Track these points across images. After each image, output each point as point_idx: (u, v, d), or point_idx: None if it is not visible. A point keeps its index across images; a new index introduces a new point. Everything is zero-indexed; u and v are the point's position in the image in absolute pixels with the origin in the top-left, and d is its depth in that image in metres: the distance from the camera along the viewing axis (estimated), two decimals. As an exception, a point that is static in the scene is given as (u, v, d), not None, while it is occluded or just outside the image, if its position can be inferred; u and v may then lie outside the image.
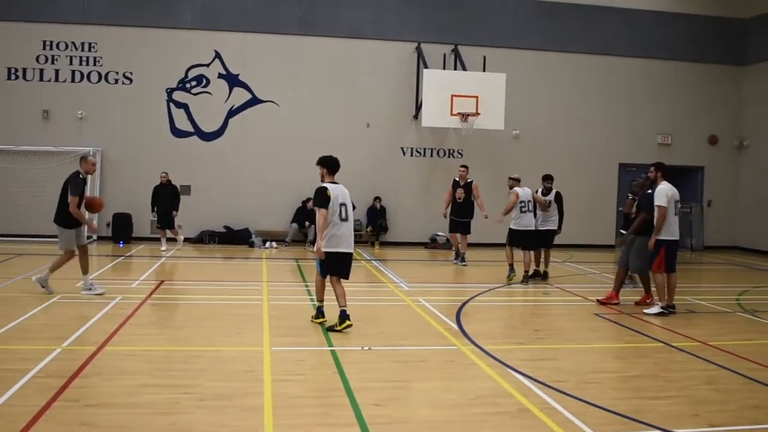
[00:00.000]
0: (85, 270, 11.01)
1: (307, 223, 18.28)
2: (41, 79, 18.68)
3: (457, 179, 16.06)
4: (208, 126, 19.27)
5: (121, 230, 18.41)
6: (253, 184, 19.19)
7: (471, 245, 16.50)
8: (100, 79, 18.86)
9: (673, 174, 21.60)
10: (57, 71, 18.70)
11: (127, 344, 7.95)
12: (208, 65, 19.23)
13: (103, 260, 15.42)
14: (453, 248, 16.61)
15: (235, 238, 18.69)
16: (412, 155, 20.10)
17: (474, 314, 10.28)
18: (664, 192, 10.90)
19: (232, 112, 19.35)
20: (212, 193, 19.02)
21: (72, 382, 6.37)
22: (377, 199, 19.43)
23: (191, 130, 19.20)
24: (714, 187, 21.79)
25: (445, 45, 19.99)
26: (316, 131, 19.28)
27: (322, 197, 8.73)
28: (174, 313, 10.39)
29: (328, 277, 9.04)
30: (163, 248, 16.90)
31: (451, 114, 18.25)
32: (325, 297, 9.25)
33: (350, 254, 9.00)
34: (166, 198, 17.21)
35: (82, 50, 18.80)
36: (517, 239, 13.75)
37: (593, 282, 14.54)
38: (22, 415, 5.48)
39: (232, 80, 19.33)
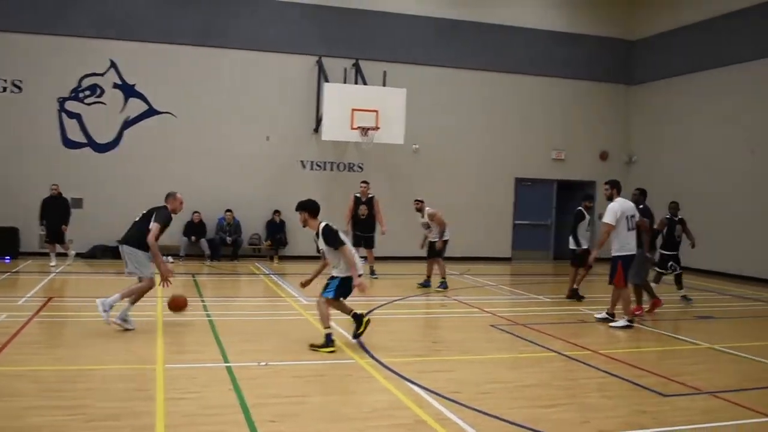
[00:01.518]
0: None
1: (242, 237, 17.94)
2: None
3: (359, 195, 16.12)
4: (102, 137, 18.68)
5: (7, 245, 17.59)
6: (147, 197, 18.51)
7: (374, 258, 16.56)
8: (-15, 88, 18.05)
9: (567, 188, 22.61)
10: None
11: (12, 364, 7.60)
12: (102, 74, 18.66)
13: (-13, 276, 14.73)
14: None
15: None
16: (312, 168, 20.05)
17: (373, 327, 10.29)
18: (614, 210, 11.34)
19: (127, 123, 18.82)
20: (105, 206, 18.39)
21: None
22: (276, 212, 19.27)
23: (84, 141, 18.57)
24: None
25: (346, 59, 20.06)
26: (214, 144, 19.01)
27: (337, 236, 8.92)
28: (62, 331, 10.01)
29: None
30: (53, 263, 16.25)
31: (352, 128, 18.31)
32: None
33: None
34: (56, 211, 16.56)
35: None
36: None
37: (490, 294, 14.83)
38: None
39: (128, 90, 18.82)
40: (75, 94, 18.53)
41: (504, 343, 9.85)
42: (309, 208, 9.19)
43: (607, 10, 22.70)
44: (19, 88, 18.16)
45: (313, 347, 8.64)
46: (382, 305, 12.34)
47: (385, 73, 19.80)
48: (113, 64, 18.71)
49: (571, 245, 14.02)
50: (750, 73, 18.47)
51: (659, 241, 13.79)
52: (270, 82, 19.65)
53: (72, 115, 18.50)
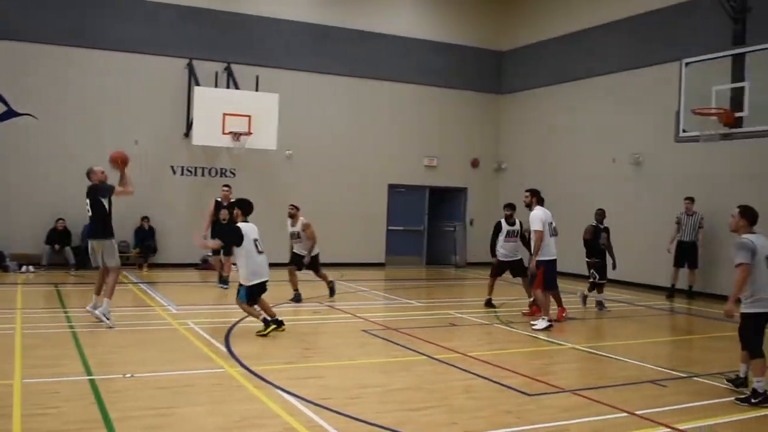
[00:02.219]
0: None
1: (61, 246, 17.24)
2: None
3: (220, 199, 15.67)
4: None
5: None
6: (6, 203, 17.78)
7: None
8: None
9: (439, 194, 23.10)
10: None
11: None
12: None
13: None
14: (217, 271, 15.85)
15: (-13, 261, 17.28)
16: (183, 174, 19.62)
17: (244, 335, 10.19)
18: (539, 217, 11.59)
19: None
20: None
21: None
22: (145, 219, 18.75)
23: (-64, 142, 17.51)
24: (476, 206, 23.20)
25: (218, 63, 19.77)
26: (79, 148, 18.24)
27: (236, 236, 10.16)
28: None
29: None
30: None
31: (223, 133, 18.06)
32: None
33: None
34: None
35: None
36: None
37: (364, 299, 14.95)
38: None
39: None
40: None
41: (375, 347, 9.96)
42: (242, 207, 10.73)
43: (478, 21, 23.39)
44: None
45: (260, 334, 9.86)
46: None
47: (257, 77, 19.65)
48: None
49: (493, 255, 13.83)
50: (611, 85, 19.45)
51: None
52: (140, 84, 19.07)
53: None
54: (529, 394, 7.42)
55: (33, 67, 18.12)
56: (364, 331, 10.89)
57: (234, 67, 19.74)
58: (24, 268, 17.09)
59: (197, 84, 18.92)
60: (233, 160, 19.79)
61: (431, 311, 13.57)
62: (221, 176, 19.89)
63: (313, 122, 20.95)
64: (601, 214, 13.96)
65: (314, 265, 14.11)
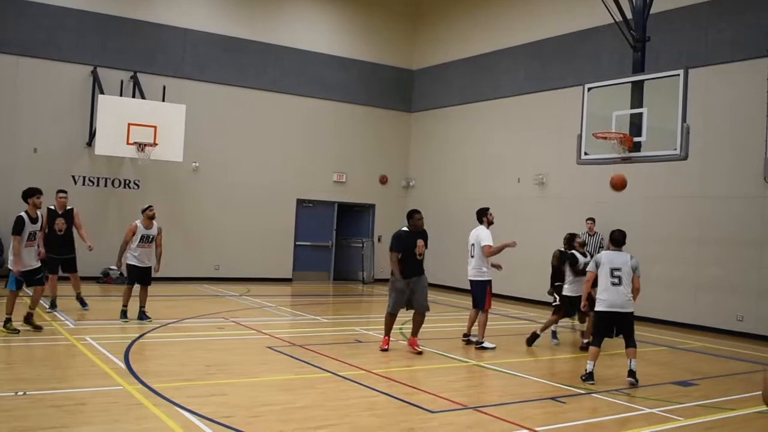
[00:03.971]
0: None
1: None
2: None
3: (54, 207, 13.38)
4: None
5: None
6: None
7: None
8: None
9: (347, 210, 23.13)
10: None
11: None
12: None
13: None
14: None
15: None
16: (84, 184, 19.01)
17: (144, 352, 9.95)
18: (489, 234, 11.74)
19: None
20: None
21: None
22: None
23: None
24: (384, 223, 23.31)
25: (124, 71, 19.34)
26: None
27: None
28: None
29: None
30: None
31: (128, 143, 17.65)
32: None
33: None
34: None
35: None
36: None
37: (269, 315, 14.81)
38: None
39: None
40: None
41: (279, 364, 9.86)
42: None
43: (390, 39, 23.64)
44: None
45: None
46: (155, 328, 11.95)
47: (164, 87, 19.33)
48: None
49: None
50: (516, 107, 19.96)
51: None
52: (39, 90, 18.45)
53: None
54: (432, 411, 7.48)
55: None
56: (268, 347, 10.78)
57: (140, 77, 19.36)
58: None
59: (102, 92, 18.44)
60: (137, 171, 19.34)
61: (337, 327, 13.55)
62: (125, 187, 19.42)
63: (221, 134, 20.71)
64: (569, 240, 12.67)
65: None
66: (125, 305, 12.79)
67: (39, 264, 11.33)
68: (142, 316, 12.65)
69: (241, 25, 21.16)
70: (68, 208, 13.47)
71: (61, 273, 13.59)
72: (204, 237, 20.31)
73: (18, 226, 10.82)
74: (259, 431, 6.43)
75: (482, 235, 11.82)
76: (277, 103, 21.68)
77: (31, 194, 11.07)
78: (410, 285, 10.90)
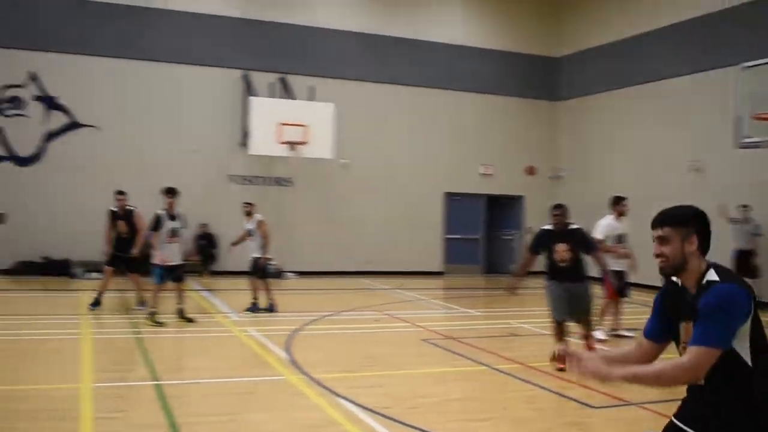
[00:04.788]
0: None
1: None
2: None
3: (116, 209, 13.10)
4: (24, 150, 18.19)
5: None
6: (73, 211, 18.22)
7: (304, 273, 16.45)
8: None
9: (496, 202, 22.96)
10: None
11: None
12: (23, 86, 18.20)
13: None
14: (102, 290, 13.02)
15: (55, 268, 17.70)
16: (240, 183, 19.87)
17: (304, 343, 10.27)
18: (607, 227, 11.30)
19: (50, 136, 18.37)
20: (30, 221, 17.86)
21: None
22: (204, 226, 19.03)
23: (5, 154, 18.06)
24: (533, 215, 22.95)
25: (274, 73, 20.01)
26: (140, 157, 18.65)
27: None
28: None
29: None
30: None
31: (279, 142, 18.29)
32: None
33: None
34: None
35: None
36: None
37: (423, 308, 14.93)
38: None
39: (50, 103, 18.38)
40: (-6, 107, 18.07)
41: (435, 357, 9.93)
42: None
43: (533, 28, 23.23)
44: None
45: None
46: (314, 320, 12.31)
47: (312, 87, 19.83)
48: (34, 76, 18.25)
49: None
50: (670, 90, 19.10)
51: None
52: (196, 95, 19.43)
53: (-7, 128, 18.03)
54: (593, 407, 7.31)
55: (96, 80, 18.62)
56: (423, 340, 10.88)
57: (289, 78, 19.98)
58: (89, 275, 17.49)
59: (253, 94, 19.19)
60: (289, 169, 19.98)
61: (490, 320, 13.49)
62: (278, 185, 20.11)
63: (368, 131, 21.03)
64: None
65: (261, 270, 13.28)
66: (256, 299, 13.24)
67: (179, 261, 11.90)
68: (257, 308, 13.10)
69: (384, 23, 21.39)
70: (128, 209, 13.18)
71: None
72: (354, 231, 20.71)
73: (155, 223, 11.62)
74: (419, 422, 6.50)
75: (598, 225, 11.33)
76: (422, 98, 21.77)
77: (171, 193, 11.83)
78: (564, 289, 9.21)
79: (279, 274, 18.79)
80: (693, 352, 3.05)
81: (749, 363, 3.08)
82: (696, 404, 3.32)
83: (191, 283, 17.00)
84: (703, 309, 3.07)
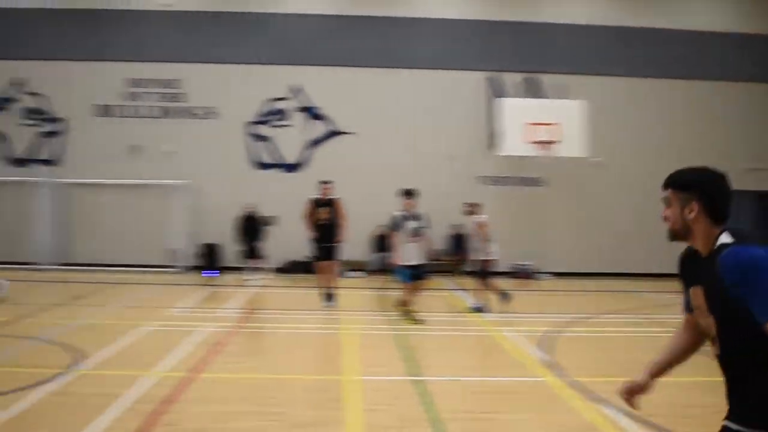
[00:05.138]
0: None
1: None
2: (128, 116, 19.56)
3: (318, 197, 13.49)
4: (290, 158, 19.63)
5: (210, 260, 18.96)
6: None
7: (559, 274, 16.19)
8: (185, 114, 19.53)
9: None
10: (143, 108, 19.57)
11: (218, 371, 8.15)
12: (287, 99, 19.65)
13: (192, 289, 15.84)
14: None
15: (316, 267, 18.88)
16: (489, 184, 19.98)
17: (561, 345, 10.13)
18: None
19: (312, 144, 19.67)
20: (296, 223, 19.13)
21: (167, 408, 6.57)
22: (456, 227, 19.34)
23: (273, 162, 19.61)
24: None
25: (520, 73, 19.94)
26: (394, 162, 19.39)
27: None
28: (260, 342, 10.62)
29: None
30: (249, 278, 17.18)
31: (529, 142, 18.18)
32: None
33: None
34: (251, 228, 17.54)
35: (168, 87, 19.56)
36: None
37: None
38: (120, 440, 5.68)
39: (311, 113, 19.69)
40: (262, 119, 19.64)
41: (703, 364, 9.34)
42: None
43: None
44: (214, 113, 19.55)
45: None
46: (569, 322, 12.10)
47: (560, 85, 19.46)
48: (296, 88, 19.63)
49: None
50: None
51: None
52: (445, 99, 19.85)
53: (261, 138, 19.62)
54: None
55: (354, 89, 19.65)
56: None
57: (536, 76, 19.80)
58: (350, 274, 18.47)
59: (500, 95, 19.22)
60: (539, 168, 19.76)
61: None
62: (530, 186, 19.97)
63: (620, 127, 20.23)
64: None
65: (482, 271, 13.13)
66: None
67: (419, 261, 11.87)
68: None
69: (633, 14, 20.50)
70: (331, 197, 13.45)
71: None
72: (608, 231, 20.06)
73: (393, 224, 11.99)
74: (689, 432, 6.19)
75: None
76: (684, 91, 20.55)
77: (409, 194, 12.03)
78: None
79: (531, 274, 18.72)
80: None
81: None
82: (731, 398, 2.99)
83: (446, 282, 17.42)
84: (738, 282, 2.74)
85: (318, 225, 13.18)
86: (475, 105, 19.97)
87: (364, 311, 13.22)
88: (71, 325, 10.86)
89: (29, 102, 19.71)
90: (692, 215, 3.00)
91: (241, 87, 19.54)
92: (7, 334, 10.06)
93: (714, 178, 3.04)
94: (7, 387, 7.12)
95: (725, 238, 2.90)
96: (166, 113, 19.60)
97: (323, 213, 13.22)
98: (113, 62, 19.47)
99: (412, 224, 11.89)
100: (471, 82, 20.00)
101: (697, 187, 3.02)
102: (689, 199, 3.01)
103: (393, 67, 19.79)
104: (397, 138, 19.69)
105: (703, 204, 2.98)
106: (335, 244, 13.33)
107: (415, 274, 11.77)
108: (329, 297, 13.14)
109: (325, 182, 13.59)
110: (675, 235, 3.12)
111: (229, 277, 17.77)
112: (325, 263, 13.27)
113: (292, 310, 13.08)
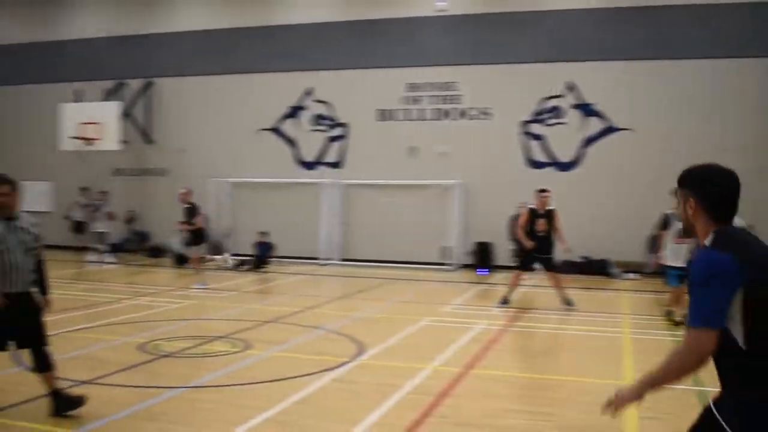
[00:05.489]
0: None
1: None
2: (407, 119, 20.57)
3: (534, 207, 13.33)
4: (564, 156, 19.53)
5: (482, 258, 19.41)
6: (610, 213, 18.92)
7: None
8: (459, 116, 20.20)
9: None
10: (421, 110, 20.46)
11: (491, 368, 8.39)
12: (561, 96, 19.54)
13: (465, 287, 16.39)
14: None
15: (593, 267, 18.66)
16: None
17: None
18: None
19: (587, 142, 19.40)
20: (570, 222, 18.96)
21: (441, 401, 6.93)
22: (751, 227, 18.06)
23: (547, 161, 19.62)
24: None
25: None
26: (670, 159, 18.39)
27: None
28: (533, 341, 10.77)
29: None
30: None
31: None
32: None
33: None
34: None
35: (443, 90, 20.32)
36: None
37: None
38: (398, 428, 6.16)
39: (586, 110, 19.40)
40: (536, 117, 19.72)
41: None
42: None
43: None
44: (488, 114, 19.94)
45: None
46: None
47: None
48: (571, 85, 19.42)
49: None
50: None
51: None
52: (728, 90, 18.39)
53: (535, 136, 19.71)
54: None
55: (626, 84, 18.98)
56: None
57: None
58: (626, 275, 18.02)
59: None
60: None
61: None
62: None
63: None
64: None
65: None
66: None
67: (681, 263, 11.19)
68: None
69: None
70: (549, 208, 13.21)
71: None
72: None
73: (663, 223, 11.64)
74: None
75: None
76: None
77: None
78: None
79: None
80: (686, 334, 2.84)
81: (742, 345, 2.78)
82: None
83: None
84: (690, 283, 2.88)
85: (535, 236, 13.02)
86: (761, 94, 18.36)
87: (642, 315, 12.82)
88: (353, 317, 11.78)
89: (317, 109, 21.47)
90: (691, 212, 3.07)
91: (515, 86, 19.72)
92: (295, 323, 11.13)
93: (713, 176, 3.09)
94: (295, 372, 7.96)
95: (709, 239, 2.97)
96: (442, 115, 20.41)
97: (541, 224, 13.08)
98: (392, 68, 20.61)
99: (679, 224, 11.41)
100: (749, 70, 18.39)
101: (694, 184, 3.09)
102: (687, 195, 3.09)
103: (668, 59, 18.85)
104: (674, 133, 18.70)
105: (700, 201, 3.04)
106: (551, 257, 13.28)
107: (682, 276, 11.19)
108: (567, 302, 13.01)
109: (543, 191, 13.38)
110: (686, 231, 3.19)
111: (501, 276, 17.98)
112: (552, 273, 13.29)
113: (563, 311, 12.96)
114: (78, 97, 22.58)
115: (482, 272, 18.86)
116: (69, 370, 7.49)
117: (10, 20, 24.88)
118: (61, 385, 6.50)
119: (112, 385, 7.40)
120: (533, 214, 13.16)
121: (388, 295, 14.68)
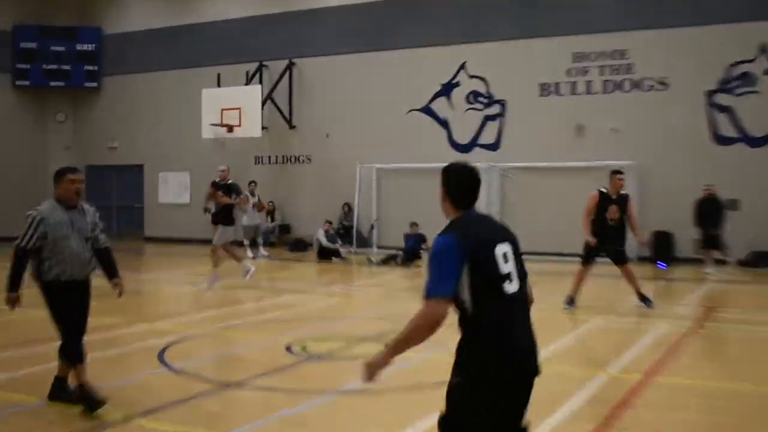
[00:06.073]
0: None
1: None
2: (573, 93, 19.62)
3: (605, 190, 11.97)
4: (756, 130, 17.94)
5: (662, 250, 18.28)
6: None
7: None
8: (632, 88, 19.07)
9: None
10: (588, 83, 19.48)
11: (677, 375, 7.81)
12: (752, 61, 17.95)
13: (642, 282, 15.24)
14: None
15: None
16: None
17: None
18: None
19: (782, 113, 17.76)
20: (762, 207, 17.53)
21: (618, 412, 6.44)
22: None
23: (736, 136, 18.12)
24: None
25: None
26: None
27: None
28: (725, 345, 10.05)
29: None
30: (708, 270, 16.22)
31: None
32: None
33: None
34: (710, 214, 16.43)
35: (613, 59, 19.28)
36: None
37: None
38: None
39: (783, 75, 17.79)
40: (723, 86, 18.26)
41: None
42: None
43: None
44: (665, 84, 18.72)
45: None
46: None
47: None
48: (765, 48, 17.83)
49: None
50: None
51: None
52: None
53: (721, 108, 18.29)
54: None
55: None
56: None
57: None
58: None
59: None
60: None
61: None
62: None
63: None
64: None
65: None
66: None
67: None
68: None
69: None
70: (623, 193, 12.01)
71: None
72: None
73: None
74: None
75: None
76: None
77: None
78: None
79: None
80: (422, 303, 3.51)
81: (471, 309, 3.57)
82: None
83: None
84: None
85: (604, 224, 11.84)
86: None
87: None
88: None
89: (471, 86, 20.95)
90: (441, 198, 3.85)
91: (696, 52, 18.38)
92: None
93: (453, 169, 3.86)
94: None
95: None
96: (612, 87, 19.24)
97: (612, 212, 11.86)
98: (555, 37, 19.73)
99: None
100: None
101: (443, 176, 3.86)
102: (442, 186, 3.84)
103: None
104: None
105: (446, 190, 3.83)
106: (623, 249, 12.12)
107: None
108: (644, 299, 11.88)
109: (617, 172, 12.21)
110: None
111: (684, 270, 16.99)
112: (625, 267, 12.03)
113: (755, 311, 12.10)
114: (219, 82, 22.89)
115: (661, 266, 17.65)
116: (211, 371, 7.67)
117: (154, 5, 25.71)
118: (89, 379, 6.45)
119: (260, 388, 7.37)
120: (604, 199, 11.95)
121: (554, 289, 13.64)
